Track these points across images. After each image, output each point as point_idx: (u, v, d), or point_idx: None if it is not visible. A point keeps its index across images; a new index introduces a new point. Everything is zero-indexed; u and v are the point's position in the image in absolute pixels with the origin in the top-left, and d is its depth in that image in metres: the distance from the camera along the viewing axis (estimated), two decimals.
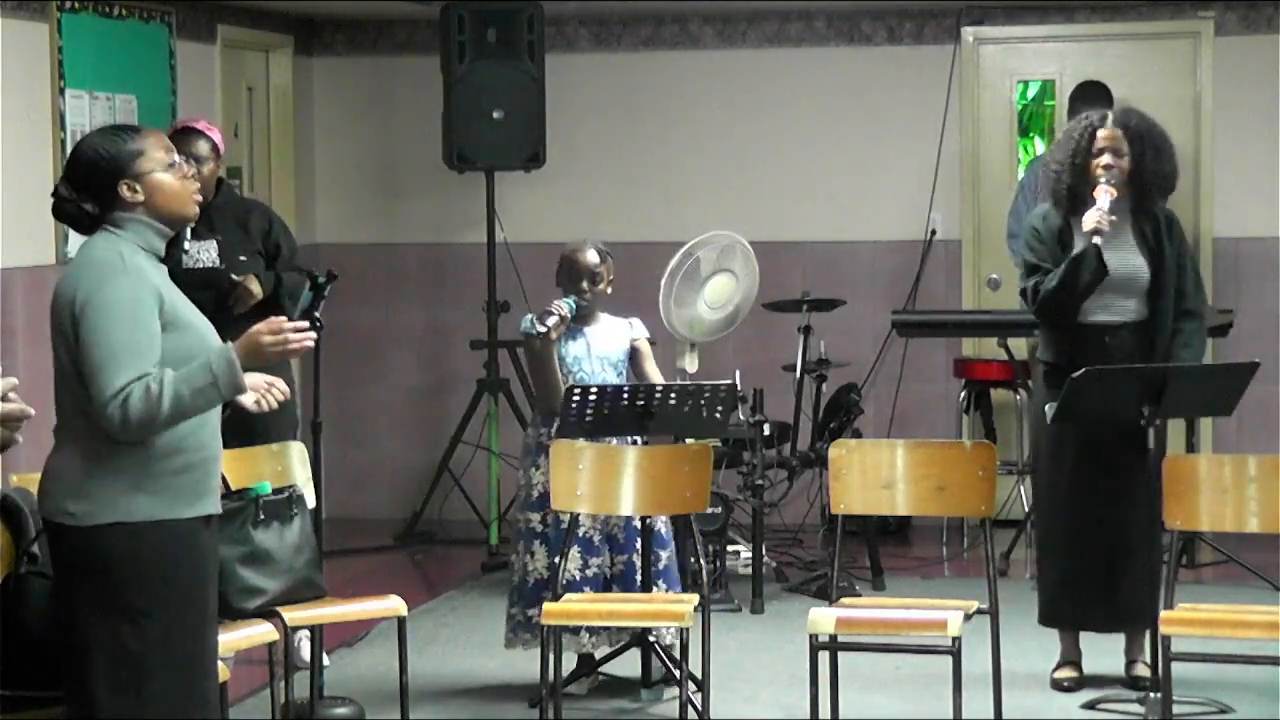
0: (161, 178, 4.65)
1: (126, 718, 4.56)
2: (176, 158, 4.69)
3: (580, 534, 6.86)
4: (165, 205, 4.66)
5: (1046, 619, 7.02)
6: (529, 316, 7.00)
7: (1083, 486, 6.86)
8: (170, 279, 7.04)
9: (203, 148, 7.36)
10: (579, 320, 7.02)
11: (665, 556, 6.96)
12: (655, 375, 7.06)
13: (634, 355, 7.11)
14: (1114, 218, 6.75)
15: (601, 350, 7.05)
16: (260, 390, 4.72)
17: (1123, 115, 6.98)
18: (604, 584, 6.89)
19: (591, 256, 7.01)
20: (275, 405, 4.74)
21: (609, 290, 7.09)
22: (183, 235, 7.20)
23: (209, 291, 7.21)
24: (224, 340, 4.67)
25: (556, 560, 6.73)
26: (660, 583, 6.89)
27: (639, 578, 6.86)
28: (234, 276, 7.33)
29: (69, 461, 4.60)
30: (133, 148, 4.64)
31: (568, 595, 6.64)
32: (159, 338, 4.53)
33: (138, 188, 4.63)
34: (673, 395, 6.77)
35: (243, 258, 7.40)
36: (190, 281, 7.16)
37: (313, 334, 4.62)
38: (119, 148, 4.64)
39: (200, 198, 4.81)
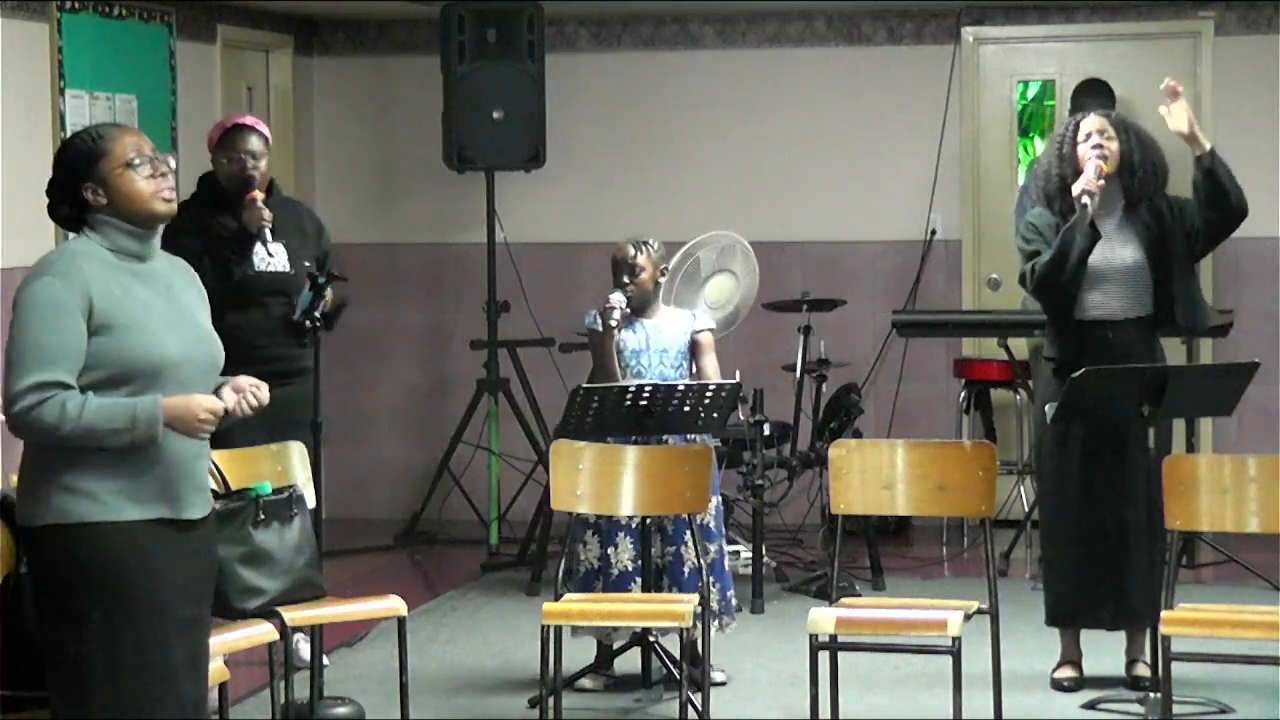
0: (124, 177, 4.61)
1: (74, 719, 4.55)
2: (141, 157, 4.64)
3: (632, 525, 6.91)
4: (128, 207, 4.61)
5: (1054, 619, 7.02)
6: (591, 312, 7.13)
7: (1086, 485, 6.86)
8: (242, 282, 7.06)
9: (256, 143, 7.22)
10: (635, 313, 7.10)
11: (714, 549, 6.99)
12: (711, 369, 7.09)
13: (693, 348, 7.15)
14: (1102, 182, 6.74)
15: (660, 343, 7.09)
16: (243, 390, 4.71)
17: (1105, 110, 7.07)
18: (656, 574, 6.91)
19: (627, 250, 7.09)
20: (249, 410, 4.72)
21: (660, 279, 7.17)
22: (262, 235, 7.07)
23: (278, 298, 7.12)
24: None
25: (608, 551, 6.93)
26: (708, 576, 6.92)
27: (686, 569, 6.92)
28: (324, 292, 7.04)
29: (25, 463, 4.62)
30: (97, 150, 4.62)
31: (594, 590, 6.76)
32: (77, 340, 4.48)
33: (100, 190, 4.61)
34: (674, 395, 6.78)
35: (306, 263, 7.18)
36: (261, 286, 7.13)
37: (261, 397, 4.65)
38: (83, 150, 4.63)
39: (171, 197, 4.71)
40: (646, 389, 6.77)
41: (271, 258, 7.16)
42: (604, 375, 7.01)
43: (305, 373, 7.10)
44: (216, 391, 4.70)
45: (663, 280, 7.23)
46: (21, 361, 4.46)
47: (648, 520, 6.78)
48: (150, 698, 4.56)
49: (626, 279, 7.07)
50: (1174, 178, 7.09)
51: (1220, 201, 6.79)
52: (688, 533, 6.93)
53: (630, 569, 6.93)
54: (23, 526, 4.60)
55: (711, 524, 7.03)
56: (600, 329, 7.06)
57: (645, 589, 6.78)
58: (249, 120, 7.36)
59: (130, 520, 4.54)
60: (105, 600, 4.51)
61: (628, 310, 7.04)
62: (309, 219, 7.49)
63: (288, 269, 7.21)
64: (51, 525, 4.52)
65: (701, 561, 6.66)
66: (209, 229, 7.16)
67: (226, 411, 4.69)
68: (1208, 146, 6.78)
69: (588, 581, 6.95)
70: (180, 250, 7.17)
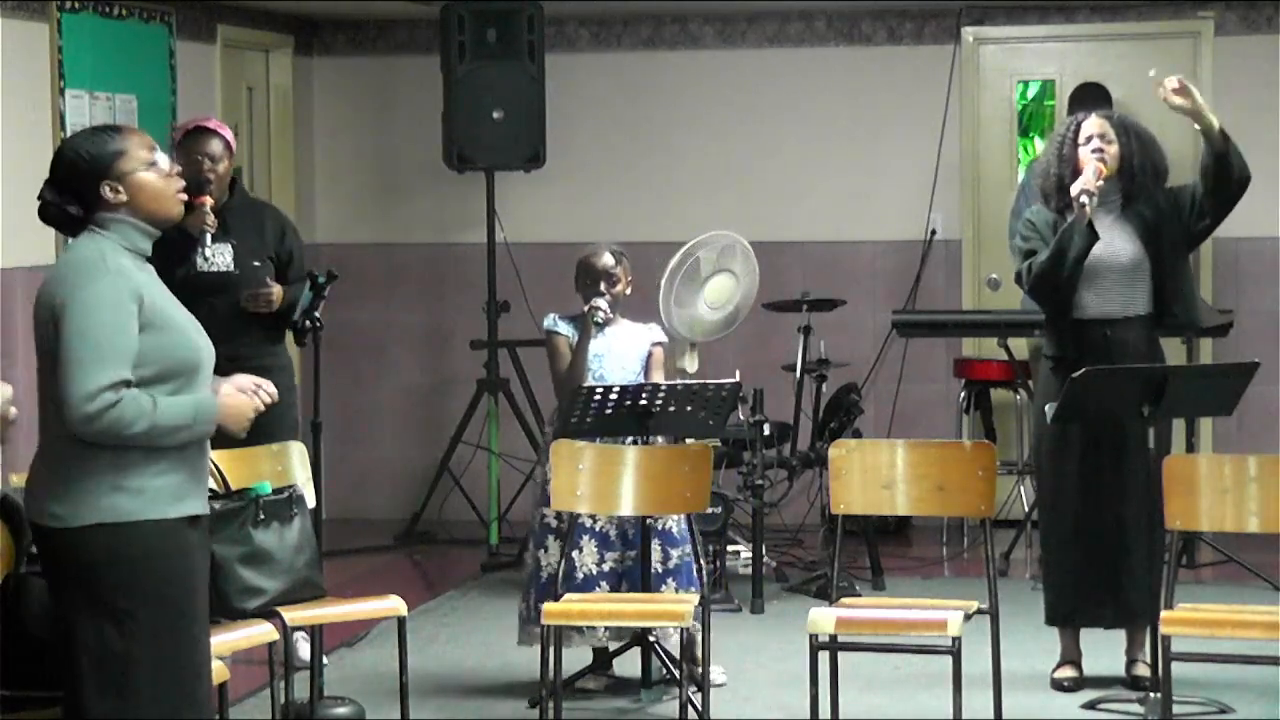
0: (144, 177, 4.63)
1: (115, 719, 4.56)
2: (158, 157, 4.67)
3: (597, 529, 6.90)
4: (148, 205, 4.64)
5: (1054, 619, 7.02)
6: (552, 315, 7.12)
7: (1086, 484, 6.87)
8: (185, 281, 7.15)
9: (216, 147, 7.29)
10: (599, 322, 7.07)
11: (677, 555, 6.96)
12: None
13: (647, 359, 7.13)
14: (1101, 184, 6.75)
15: (621, 352, 7.07)
16: (248, 390, 4.72)
17: (1106, 111, 7.07)
18: (618, 579, 6.90)
19: (606, 259, 7.06)
20: (262, 407, 4.74)
21: (628, 291, 7.14)
22: (202, 239, 7.19)
23: (223, 296, 7.21)
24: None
25: (573, 554, 6.87)
26: (670, 581, 6.89)
27: (654, 573, 6.89)
28: (268, 280, 7.24)
29: (52, 463, 4.60)
30: (114, 148, 4.63)
31: (571, 594, 6.66)
32: (135, 340, 4.52)
33: (120, 188, 4.62)
34: (674, 395, 6.77)
35: (256, 263, 7.29)
36: (204, 285, 7.21)
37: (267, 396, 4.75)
38: (100, 148, 4.63)
39: (185, 197, 4.77)
40: (646, 389, 6.77)
41: (209, 260, 7.25)
42: (573, 378, 6.98)
43: (261, 373, 7.00)
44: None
45: (628, 292, 7.18)
46: (96, 360, 4.46)
47: (648, 521, 6.77)
48: (190, 695, 4.63)
49: (603, 287, 7.05)
50: (1173, 177, 7.09)
51: (1227, 177, 6.78)
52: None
53: (595, 572, 6.90)
54: (53, 528, 4.57)
55: (674, 529, 6.97)
56: (564, 333, 7.04)
57: (645, 589, 6.77)
58: (211, 124, 7.43)
59: (172, 518, 4.58)
60: (151, 598, 4.55)
61: (611, 315, 7.03)
62: (272, 220, 7.52)
63: (231, 268, 7.29)
64: (96, 525, 4.52)
65: (703, 563, 6.66)
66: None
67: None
68: (1216, 125, 6.76)
69: (549, 587, 6.82)
70: None
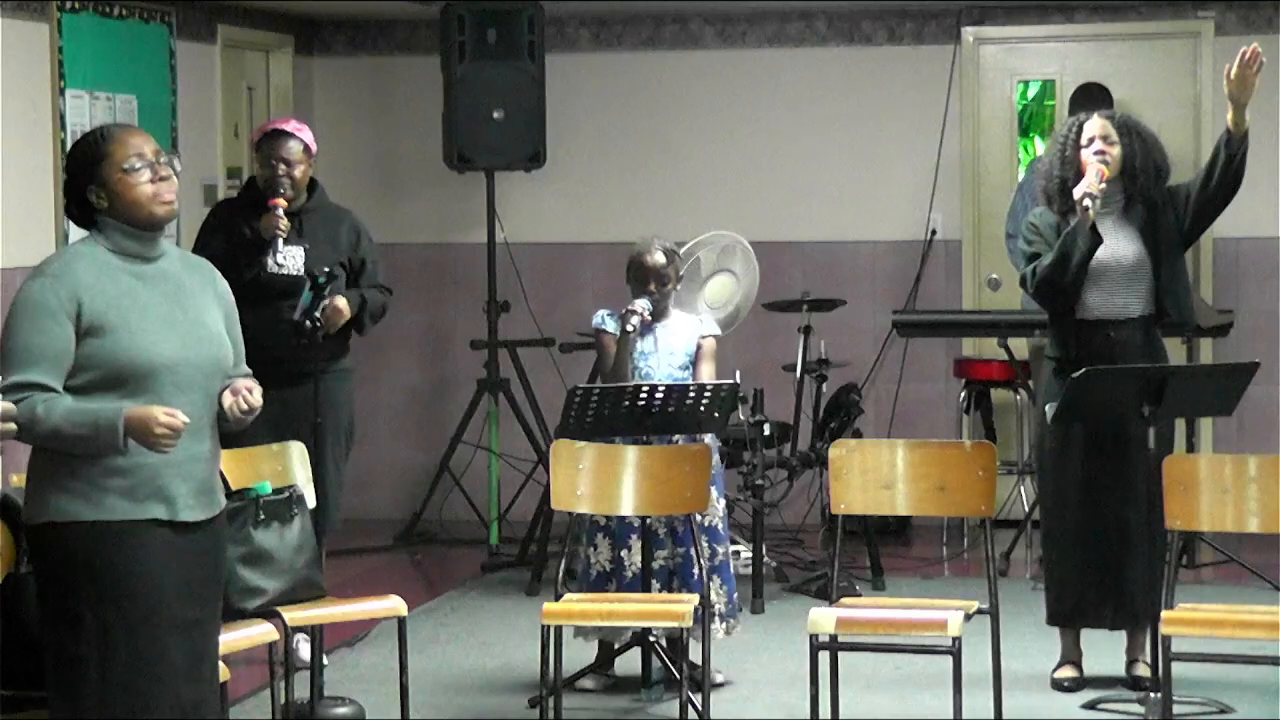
0: (123, 182, 4.62)
1: (67, 718, 4.56)
2: (141, 161, 4.64)
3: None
4: (127, 210, 4.63)
5: (1054, 619, 7.02)
6: (601, 312, 7.14)
7: (1087, 485, 6.87)
8: (254, 283, 7.10)
9: (293, 150, 7.26)
10: (651, 317, 7.09)
11: (722, 552, 7.00)
12: (707, 377, 7.07)
13: (696, 351, 7.14)
14: (1104, 186, 6.75)
15: (669, 347, 7.09)
16: (240, 392, 4.71)
17: (1108, 112, 7.06)
18: (669, 575, 6.93)
19: (659, 258, 7.08)
20: (241, 413, 4.70)
21: (678, 288, 7.17)
22: (274, 242, 7.17)
23: (291, 300, 7.11)
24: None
25: (621, 553, 6.93)
26: (715, 577, 6.93)
27: (696, 571, 6.89)
28: (324, 293, 7.08)
29: (30, 462, 4.65)
30: (98, 153, 4.65)
31: (613, 590, 6.79)
32: (59, 343, 4.50)
33: (101, 193, 4.64)
34: (673, 395, 6.77)
35: (326, 268, 7.14)
36: (273, 288, 7.17)
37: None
38: (85, 154, 4.67)
39: (171, 198, 4.72)
40: (644, 389, 6.77)
41: (280, 263, 7.21)
42: (616, 376, 7.00)
43: (315, 379, 7.05)
44: (220, 393, 4.71)
45: (679, 289, 7.24)
46: (4, 362, 4.50)
47: (647, 520, 6.78)
48: (144, 698, 4.57)
49: (654, 286, 7.06)
50: (1173, 177, 7.08)
51: (1228, 175, 6.79)
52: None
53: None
54: (27, 525, 4.62)
55: (719, 526, 7.03)
56: (611, 330, 7.06)
57: (645, 589, 6.78)
58: (289, 126, 7.38)
59: (124, 520, 4.55)
60: (99, 600, 4.52)
61: (649, 318, 7.04)
62: (349, 228, 7.47)
63: (302, 272, 7.22)
64: (49, 524, 4.54)
65: (702, 562, 6.66)
66: (233, 229, 7.25)
67: (224, 415, 4.70)
68: (1246, 125, 6.76)
69: (600, 584, 6.94)
70: (205, 247, 7.28)
